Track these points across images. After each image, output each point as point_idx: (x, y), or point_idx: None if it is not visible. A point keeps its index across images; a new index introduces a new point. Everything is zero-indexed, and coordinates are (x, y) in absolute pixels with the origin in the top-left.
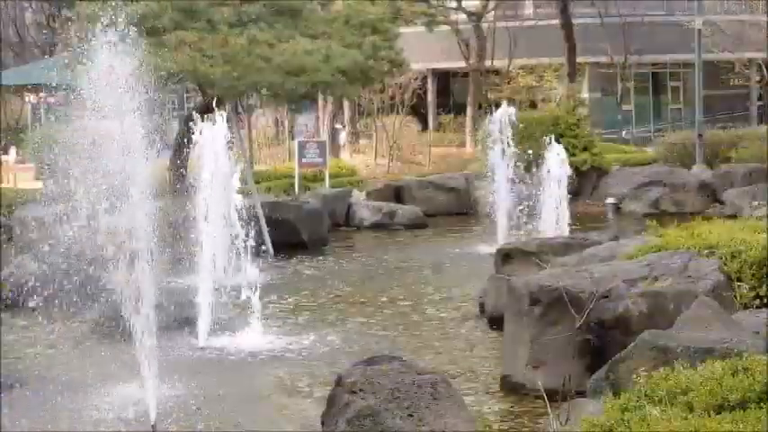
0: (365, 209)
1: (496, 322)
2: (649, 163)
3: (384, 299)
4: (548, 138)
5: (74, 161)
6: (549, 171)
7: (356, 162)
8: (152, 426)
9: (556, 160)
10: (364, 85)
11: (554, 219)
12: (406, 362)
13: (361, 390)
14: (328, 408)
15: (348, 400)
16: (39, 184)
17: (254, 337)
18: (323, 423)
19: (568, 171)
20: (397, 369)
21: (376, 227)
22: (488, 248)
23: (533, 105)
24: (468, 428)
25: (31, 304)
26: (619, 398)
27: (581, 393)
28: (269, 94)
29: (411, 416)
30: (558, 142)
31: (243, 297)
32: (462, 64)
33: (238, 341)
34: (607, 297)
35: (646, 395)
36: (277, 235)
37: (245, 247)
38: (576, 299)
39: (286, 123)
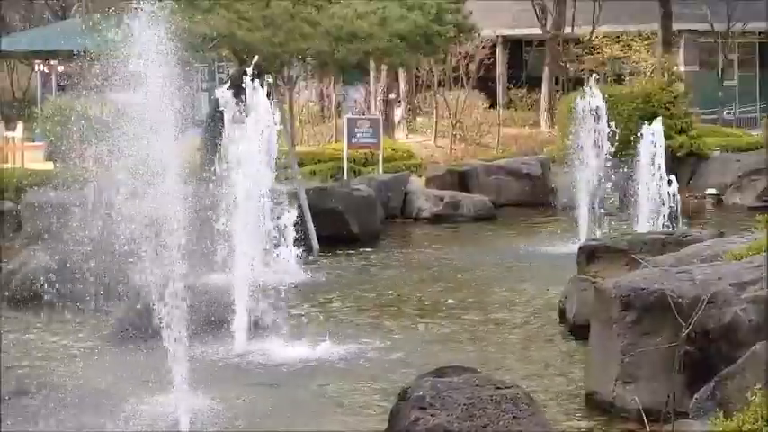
0: (424, 198)
1: (579, 331)
2: (757, 148)
3: (447, 302)
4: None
5: (91, 139)
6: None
7: (413, 143)
8: None
9: (653, 141)
10: (426, 53)
11: (648, 212)
12: (480, 374)
13: (430, 405)
14: (391, 425)
15: (416, 416)
16: (49, 165)
17: (297, 343)
18: None
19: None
20: (472, 382)
21: (436, 219)
22: (569, 246)
23: (619, 80)
24: None
25: (44, 302)
26: (731, 419)
27: (680, 414)
28: (316, 63)
29: None
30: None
31: (284, 298)
32: (538, 31)
33: (281, 348)
34: (712, 303)
35: (763, 417)
36: (323, 226)
37: (288, 241)
38: (675, 305)
39: (333, 98)
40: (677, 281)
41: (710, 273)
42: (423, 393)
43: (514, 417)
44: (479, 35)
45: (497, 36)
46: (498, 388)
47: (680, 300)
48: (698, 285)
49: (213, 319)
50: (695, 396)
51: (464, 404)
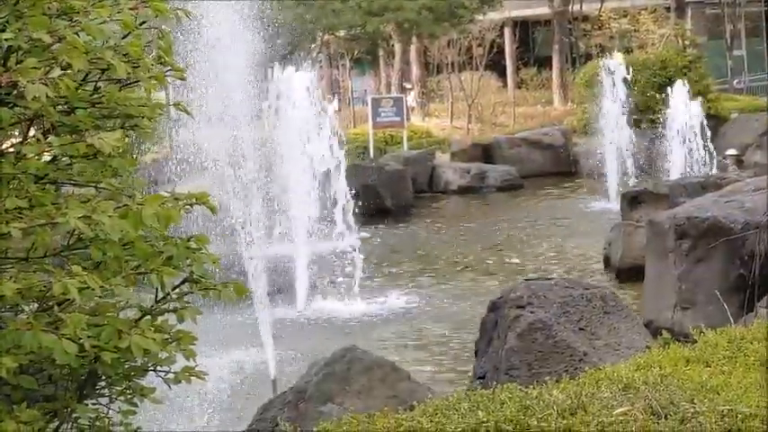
0: (451, 171)
1: (625, 275)
2: None
3: (493, 258)
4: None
5: None
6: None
7: (430, 126)
8: (272, 380)
9: (680, 101)
10: (452, 24)
11: (679, 170)
12: (569, 278)
13: (529, 303)
14: (482, 335)
15: (516, 314)
16: None
17: (351, 302)
18: (476, 352)
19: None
20: (562, 284)
21: (465, 190)
22: (600, 205)
23: (628, 53)
24: (642, 342)
25: None
26: None
27: None
28: (348, 37)
29: (583, 329)
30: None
31: (332, 265)
32: (545, 10)
33: (336, 306)
34: (758, 228)
35: None
36: (357, 201)
37: (331, 215)
38: (727, 231)
39: (349, 85)
40: (729, 209)
41: (758, 200)
42: (520, 294)
43: (604, 312)
44: (485, 15)
45: (504, 18)
46: (587, 288)
47: (731, 226)
48: (747, 212)
49: (275, 284)
50: (747, 316)
51: (558, 302)
